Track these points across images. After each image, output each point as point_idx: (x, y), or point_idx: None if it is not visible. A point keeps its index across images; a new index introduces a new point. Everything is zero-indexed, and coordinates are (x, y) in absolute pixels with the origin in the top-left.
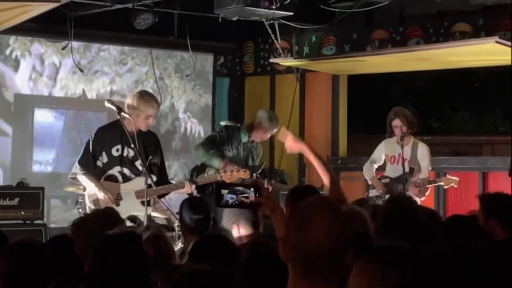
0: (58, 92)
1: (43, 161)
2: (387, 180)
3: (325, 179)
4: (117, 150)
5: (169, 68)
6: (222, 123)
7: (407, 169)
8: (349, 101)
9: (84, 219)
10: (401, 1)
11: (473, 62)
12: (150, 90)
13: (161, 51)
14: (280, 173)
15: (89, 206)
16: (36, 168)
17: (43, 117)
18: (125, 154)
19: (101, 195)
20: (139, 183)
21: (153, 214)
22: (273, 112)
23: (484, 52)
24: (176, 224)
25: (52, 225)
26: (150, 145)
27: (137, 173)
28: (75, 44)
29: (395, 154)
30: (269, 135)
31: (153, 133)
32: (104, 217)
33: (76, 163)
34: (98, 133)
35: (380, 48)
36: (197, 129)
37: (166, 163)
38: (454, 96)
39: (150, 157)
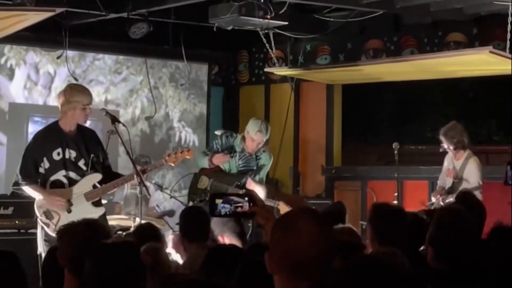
0: (53, 101)
1: None
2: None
3: None
4: (58, 154)
5: (164, 77)
6: (217, 133)
7: (450, 183)
8: (343, 111)
9: (71, 227)
10: (395, 10)
11: (467, 72)
12: (145, 100)
13: (155, 60)
14: (274, 182)
15: (40, 219)
16: None
17: (37, 126)
18: (67, 156)
19: (52, 202)
20: (85, 184)
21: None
22: (257, 120)
23: (478, 62)
24: (170, 232)
25: None
26: (91, 143)
27: (82, 174)
28: (70, 53)
29: (450, 167)
30: (257, 142)
31: (92, 130)
32: (92, 225)
33: (17, 173)
34: (36, 139)
35: (374, 58)
36: (192, 138)
37: (160, 172)
38: (448, 105)
39: (92, 155)
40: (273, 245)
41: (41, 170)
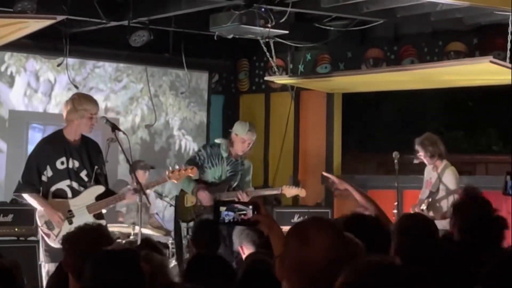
0: (53, 109)
1: None
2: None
3: (372, 211)
4: (62, 163)
5: (164, 85)
6: (217, 141)
7: (426, 194)
8: (343, 119)
9: (76, 234)
10: (395, 20)
11: (467, 82)
12: (145, 108)
13: (156, 69)
14: None
15: (41, 229)
16: None
17: (37, 133)
18: (70, 166)
19: (51, 215)
20: (88, 196)
21: (145, 231)
22: (246, 121)
23: (478, 72)
24: (170, 241)
25: None
26: (94, 154)
27: (84, 185)
28: (70, 60)
29: (428, 178)
30: (247, 144)
31: (95, 141)
32: (96, 232)
33: (20, 179)
34: (40, 146)
35: (374, 67)
36: (192, 146)
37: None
38: (448, 114)
39: (96, 166)
40: (285, 253)
41: (44, 178)
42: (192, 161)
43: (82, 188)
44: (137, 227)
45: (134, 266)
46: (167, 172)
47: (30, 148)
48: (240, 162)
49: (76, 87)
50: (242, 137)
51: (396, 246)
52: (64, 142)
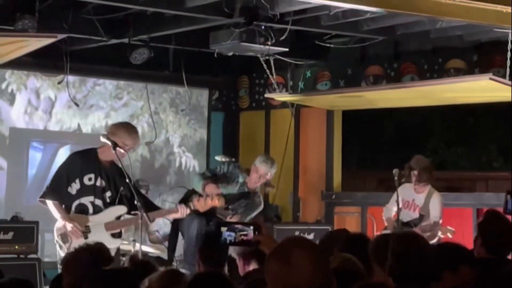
0: (53, 126)
1: (37, 195)
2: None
3: None
4: (90, 179)
5: (164, 103)
6: (217, 158)
7: (417, 215)
8: (343, 136)
9: (75, 255)
10: (395, 37)
11: (467, 99)
12: (145, 125)
13: (156, 86)
14: (274, 207)
15: (57, 240)
16: (30, 202)
17: (38, 151)
18: (97, 184)
19: (69, 226)
20: (109, 214)
21: (145, 248)
22: (267, 155)
23: (478, 89)
24: (176, 258)
25: (46, 259)
26: (120, 177)
27: (106, 206)
28: (71, 78)
29: (409, 199)
30: (259, 176)
31: (119, 166)
32: (96, 253)
33: (47, 184)
34: (72, 158)
35: (374, 84)
36: (192, 163)
37: (160, 198)
38: (448, 131)
39: (121, 188)
40: (272, 280)
41: (70, 189)
42: (213, 171)
43: (104, 208)
44: (137, 244)
45: (130, 286)
46: (194, 201)
47: (31, 165)
48: (252, 196)
49: (77, 104)
50: (257, 166)
51: (390, 267)
52: (96, 160)
